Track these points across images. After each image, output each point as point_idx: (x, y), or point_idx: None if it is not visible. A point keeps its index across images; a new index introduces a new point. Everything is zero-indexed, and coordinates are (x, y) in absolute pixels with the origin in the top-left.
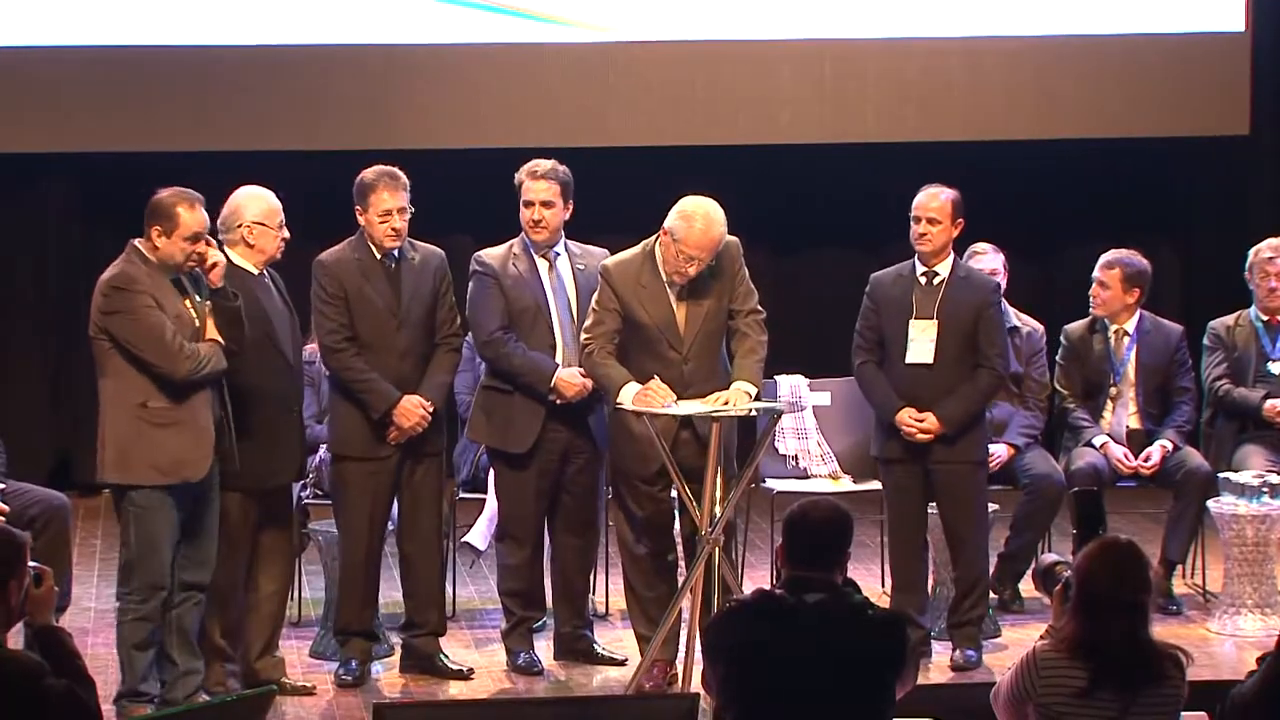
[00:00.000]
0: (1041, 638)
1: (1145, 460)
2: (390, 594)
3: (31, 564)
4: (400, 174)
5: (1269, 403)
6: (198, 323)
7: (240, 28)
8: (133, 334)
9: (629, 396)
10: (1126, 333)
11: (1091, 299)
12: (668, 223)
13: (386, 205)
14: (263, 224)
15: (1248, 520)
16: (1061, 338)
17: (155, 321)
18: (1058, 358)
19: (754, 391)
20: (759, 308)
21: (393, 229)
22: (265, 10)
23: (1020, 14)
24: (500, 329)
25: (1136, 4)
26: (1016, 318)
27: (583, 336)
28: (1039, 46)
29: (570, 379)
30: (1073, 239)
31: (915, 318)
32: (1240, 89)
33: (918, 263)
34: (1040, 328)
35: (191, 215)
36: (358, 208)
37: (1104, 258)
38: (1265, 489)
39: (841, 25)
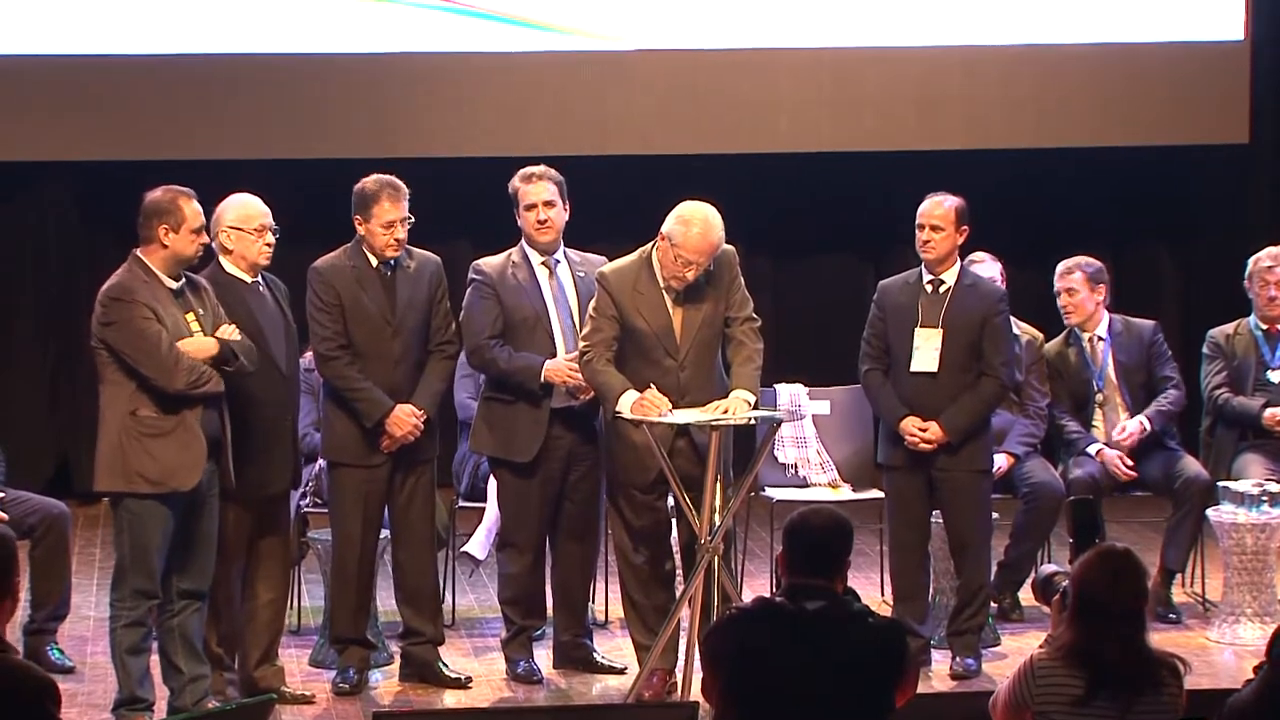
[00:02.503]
0: (1040, 647)
1: (1122, 433)
2: (389, 602)
3: None
4: (400, 184)
5: (1268, 411)
6: (201, 335)
7: (239, 36)
8: (128, 345)
9: (627, 404)
10: (1100, 338)
11: (1062, 310)
12: (666, 227)
13: (389, 216)
14: (239, 228)
15: (1247, 529)
16: (1043, 353)
17: (151, 332)
18: (1045, 370)
19: (753, 400)
20: (754, 316)
21: (395, 239)
22: (264, 18)
23: (1019, 23)
24: (490, 337)
25: (1136, 13)
26: (1016, 326)
27: (580, 344)
28: (1038, 55)
29: (556, 368)
30: (1072, 248)
31: (921, 326)
32: (1240, 97)
33: (924, 270)
34: (1040, 336)
35: (191, 207)
36: (357, 217)
37: (1061, 266)
38: (1264, 498)
39: (841, 34)
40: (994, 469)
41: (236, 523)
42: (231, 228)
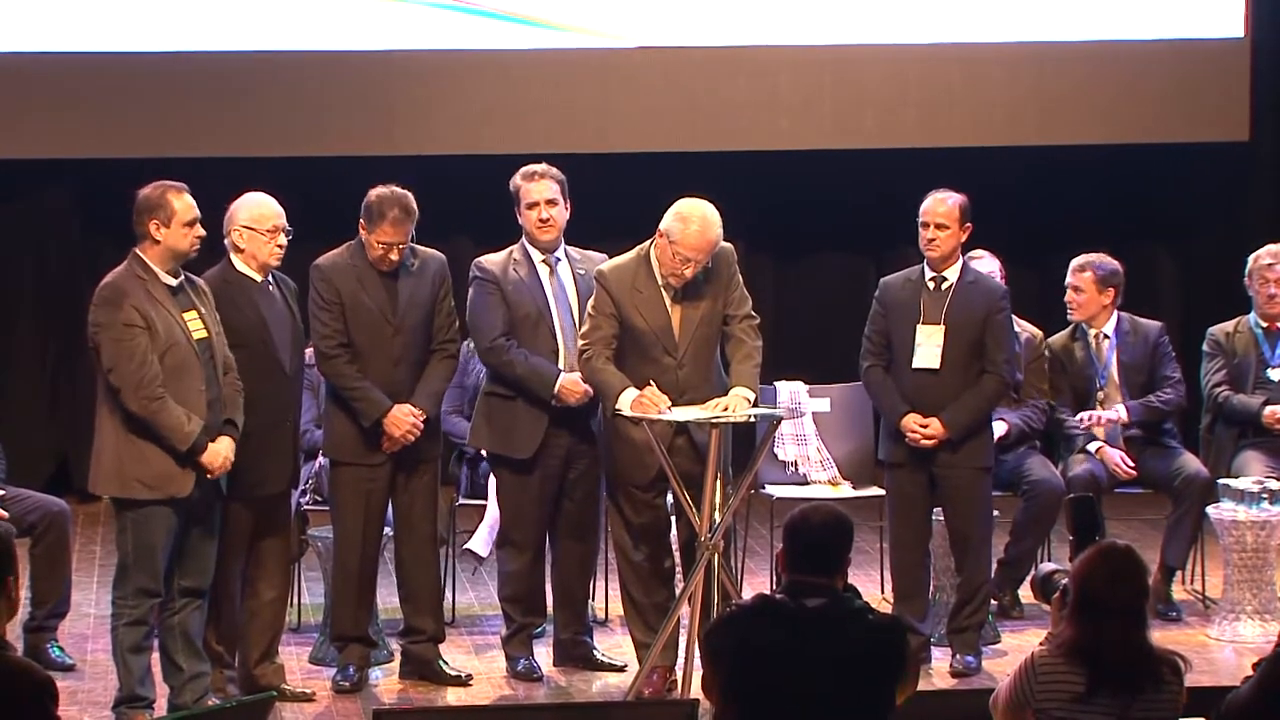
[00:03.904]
0: (1041, 644)
1: (1095, 421)
2: (390, 600)
3: None
4: (412, 205)
5: (1269, 409)
6: (204, 333)
7: (242, 33)
8: (107, 351)
9: (627, 402)
10: (1106, 336)
11: (1068, 305)
12: (664, 224)
13: (389, 238)
14: (251, 228)
15: (1247, 526)
16: (1044, 349)
17: (132, 345)
18: (1046, 368)
19: (752, 397)
20: (753, 313)
21: (389, 259)
22: (267, 16)
23: (1020, 20)
24: (502, 335)
25: (1137, 11)
26: (1016, 324)
27: (579, 342)
28: (1039, 52)
29: (574, 385)
30: (1072, 245)
31: (923, 323)
32: (1240, 95)
33: (926, 267)
34: (1039, 334)
35: (181, 200)
36: (362, 222)
37: (1075, 262)
38: (1264, 495)
39: (841, 31)
40: (995, 439)
41: (237, 521)
42: (244, 227)
